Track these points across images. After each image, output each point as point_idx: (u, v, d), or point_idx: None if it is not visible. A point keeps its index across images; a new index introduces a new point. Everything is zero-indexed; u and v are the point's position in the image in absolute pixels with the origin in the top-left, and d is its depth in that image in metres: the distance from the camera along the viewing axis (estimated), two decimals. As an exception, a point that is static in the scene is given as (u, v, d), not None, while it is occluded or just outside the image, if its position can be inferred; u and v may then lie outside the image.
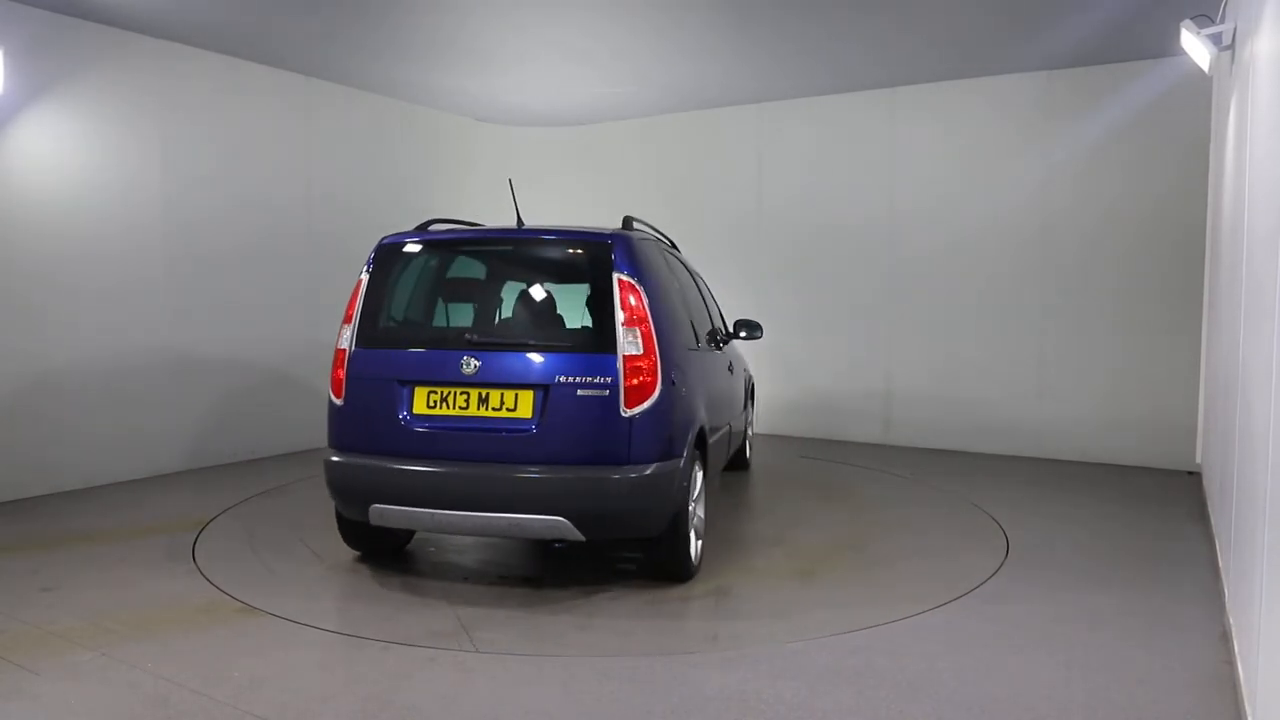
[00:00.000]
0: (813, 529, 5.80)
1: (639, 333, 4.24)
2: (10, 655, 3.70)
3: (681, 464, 4.41)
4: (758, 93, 8.98)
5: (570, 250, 4.71)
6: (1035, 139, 8.04)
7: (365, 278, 4.70)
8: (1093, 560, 5.10)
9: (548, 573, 4.91)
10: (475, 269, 4.94)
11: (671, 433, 4.36)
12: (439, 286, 4.89)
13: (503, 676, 3.53)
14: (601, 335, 4.29)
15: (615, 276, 4.33)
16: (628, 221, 4.95)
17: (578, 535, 4.22)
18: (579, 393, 4.20)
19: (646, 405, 4.21)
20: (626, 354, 4.21)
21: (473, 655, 3.73)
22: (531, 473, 4.19)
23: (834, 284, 9.10)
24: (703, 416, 4.88)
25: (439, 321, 4.83)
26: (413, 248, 4.80)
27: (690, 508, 4.61)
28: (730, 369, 6.32)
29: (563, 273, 4.78)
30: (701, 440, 4.87)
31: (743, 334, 6.67)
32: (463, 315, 4.81)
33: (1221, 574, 4.57)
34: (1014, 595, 4.49)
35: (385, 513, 4.40)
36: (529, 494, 4.18)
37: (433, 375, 4.40)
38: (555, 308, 4.73)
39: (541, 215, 9.85)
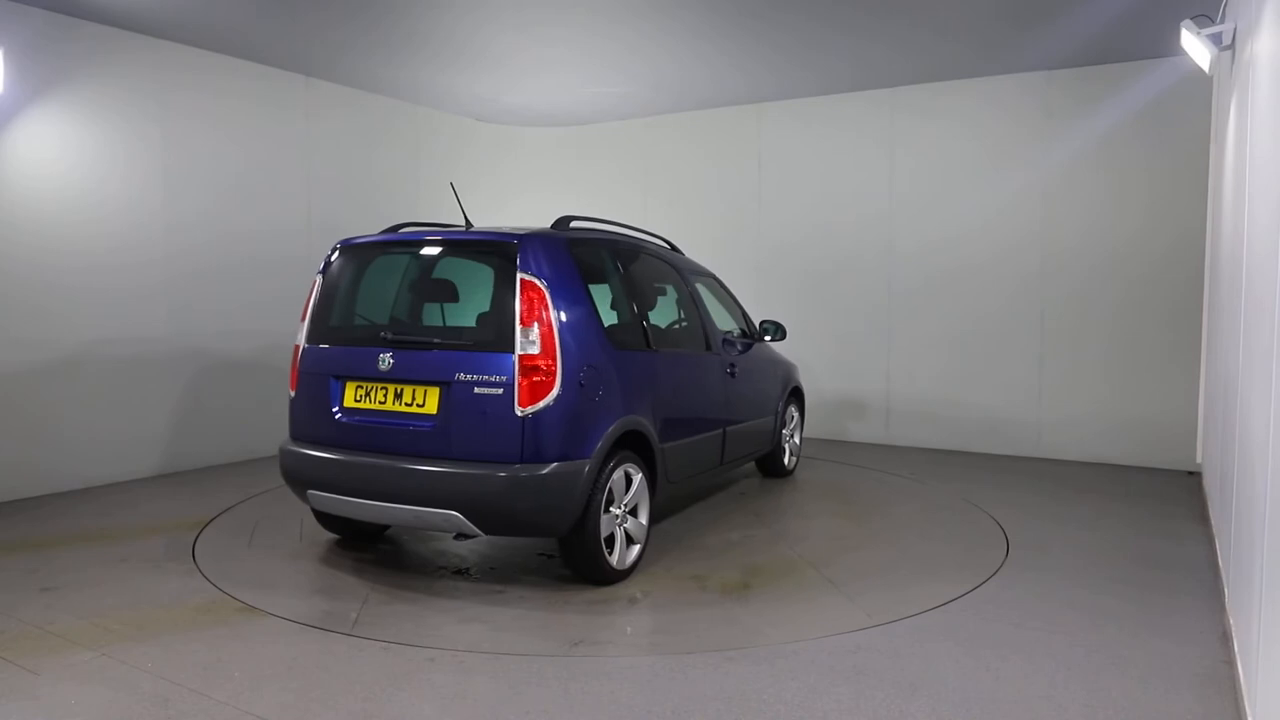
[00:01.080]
0: (799, 531, 5.80)
1: (537, 332, 4.26)
2: (10, 655, 3.70)
3: (589, 465, 4.35)
4: (757, 93, 8.99)
5: (480, 251, 4.75)
6: (1035, 139, 8.05)
7: (318, 279, 5.00)
8: (1092, 560, 5.10)
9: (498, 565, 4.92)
10: (400, 270, 5.01)
11: (573, 433, 4.33)
12: (370, 286, 5.01)
13: (503, 676, 3.53)
14: (500, 334, 4.34)
15: (518, 276, 4.35)
16: (562, 221, 4.95)
17: (475, 530, 4.32)
18: (476, 390, 4.29)
19: (542, 405, 4.23)
20: (522, 353, 4.25)
21: (473, 655, 3.73)
22: (429, 466, 4.33)
23: (834, 284, 9.10)
24: (641, 419, 4.76)
25: (366, 320, 4.97)
26: (354, 250, 5.00)
27: (614, 511, 4.60)
28: (732, 373, 6.09)
29: (473, 273, 4.80)
30: (638, 443, 4.81)
31: (767, 337, 6.64)
32: (385, 314, 4.96)
33: (1221, 574, 4.57)
34: (1014, 595, 4.50)
35: (318, 498, 4.72)
36: (427, 487, 4.31)
37: (358, 371, 4.65)
38: (462, 307, 4.77)
39: (538, 216, 9.88)
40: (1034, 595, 4.49)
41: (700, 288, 6.30)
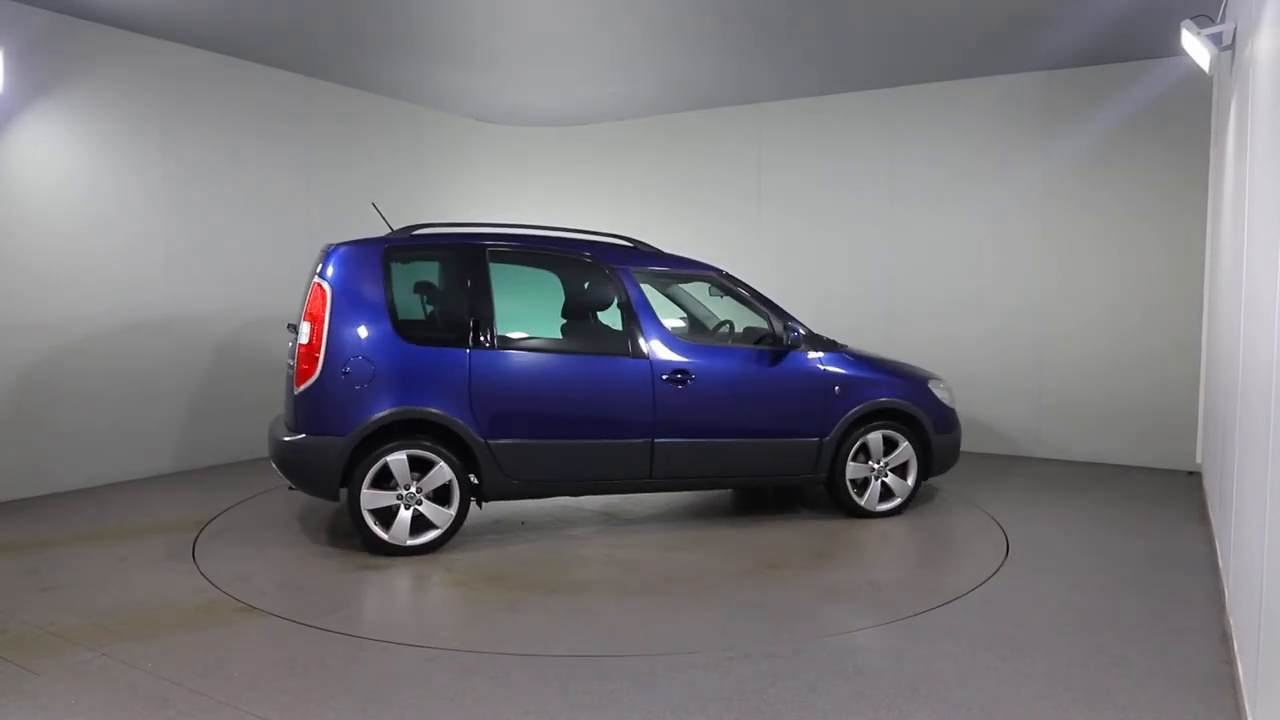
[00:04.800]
0: (658, 566, 5.08)
1: (309, 326, 5.06)
2: (10, 655, 3.70)
3: (343, 443, 4.96)
4: (757, 92, 8.98)
5: (318, 259, 5.40)
6: (1035, 139, 8.04)
7: None
8: (1093, 560, 5.10)
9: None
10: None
11: (333, 413, 5.03)
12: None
13: (503, 676, 3.53)
14: (299, 327, 5.23)
15: (315, 280, 5.16)
16: (405, 230, 5.50)
17: (289, 483, 5.25)
18: (288, 371, 5.32)
19: (306, 386, 5.05)
20: (300, 343, 5.09)
21: (472, 655, 3.73)
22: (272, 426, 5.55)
23: (833, 282, 9.09)
24: (434, 411, 5.10)
25: None
26: None
27: (399, 490, 5.06)
28: (679, 382, 5.50)
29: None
30: (441, 433, 5.15)
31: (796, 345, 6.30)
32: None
33: (1221, 574, 4.57)
34: (1014, 595, 4.50)
35: None
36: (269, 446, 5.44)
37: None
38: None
39: (538, 216, 9.88)
40: (1034, 595, 4.50)
41: (683, 290, 6.28)
